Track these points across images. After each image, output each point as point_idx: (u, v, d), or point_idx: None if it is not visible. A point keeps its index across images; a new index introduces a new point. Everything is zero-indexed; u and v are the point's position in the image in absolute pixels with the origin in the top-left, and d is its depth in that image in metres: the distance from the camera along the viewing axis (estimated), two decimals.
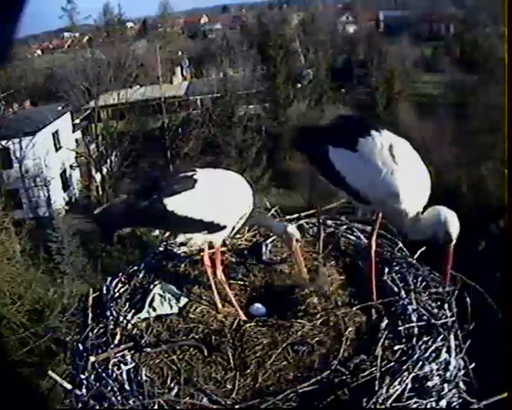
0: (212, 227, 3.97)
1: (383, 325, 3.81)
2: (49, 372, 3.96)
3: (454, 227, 3.71)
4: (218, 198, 3.95)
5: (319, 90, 37.85)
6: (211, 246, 4.24)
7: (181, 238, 4.11)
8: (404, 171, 3.65)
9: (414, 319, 3.84)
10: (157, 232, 4.34)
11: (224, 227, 4.02)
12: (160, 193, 3.84)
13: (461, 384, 3.46)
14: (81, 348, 4.03)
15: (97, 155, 30.90)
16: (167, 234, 4.24)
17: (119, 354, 3.85)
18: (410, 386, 3.33)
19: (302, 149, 4.30)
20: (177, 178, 3.98)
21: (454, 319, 3.82)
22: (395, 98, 37.46)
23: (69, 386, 3.73)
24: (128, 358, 3.81)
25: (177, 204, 3.83)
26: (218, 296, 4.28)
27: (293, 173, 26.64)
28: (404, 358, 3.52)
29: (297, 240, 4.25)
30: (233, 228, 4.13)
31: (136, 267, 4.97)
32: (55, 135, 31.69)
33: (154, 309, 4.28)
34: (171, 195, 3.83)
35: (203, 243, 4.15)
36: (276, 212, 5.43)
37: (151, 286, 4.54)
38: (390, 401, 3.24)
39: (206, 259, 4.23)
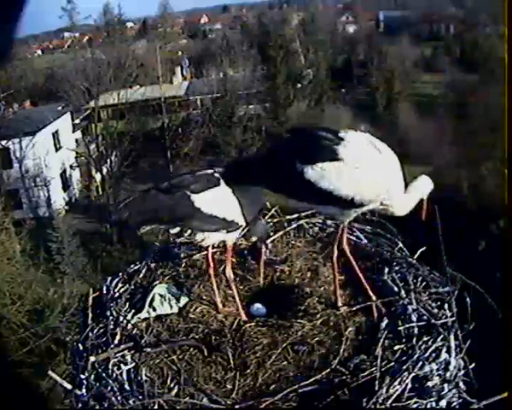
0: (233, 226, 4.00)
1: (383, 325, 3.81)
2: (49, 372, 3.96)
3: (429, 189, 3.93)
4: (238, 198, 3.95)
5: (319, 90, 37.83)
6: (214, 245, 4.25)
7: (200, 237, 4.07)
8: (389, 159, 3.72)
9: (414, 319, 3.84)
10: (175, 230, 4.24)
11: (241, 226, 4.06)
12: (186, 190, 3.85)
13: (461, 384, 3.46)
14: (81, 348, 4.03)
15: (97, 155, 30.89)
16: (188, 232, 4.19)
17: (119, 354, 3.84)
18: (410, 386, 3.32)
19: (263, 182, 3.84)
20: (201, 176, 3.98)
21: (454, 319, 3.82)
22: (395, 98, 37.47)
23: (69, 386, 3.73)
24: (128, 358, 3.81)
25: (204, 201, 3.85)
26: (219, 296, 4.29)
27: None
28: (404, 358, 3.52)
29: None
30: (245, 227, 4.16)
31: (136, 267, 4.98)
32: (55, 135, 31.70)
33: (154, 309, 4.28)
34: (199, 192, 3.85)
35: (217, 242, 4.16)
36: (276, 212, 5.43)
37: (151, 286, 4.54)
38: (390, 401, 3.23)
39: (209, 258, 4.24)
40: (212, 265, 4.23)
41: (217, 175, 3.97)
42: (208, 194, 3.87)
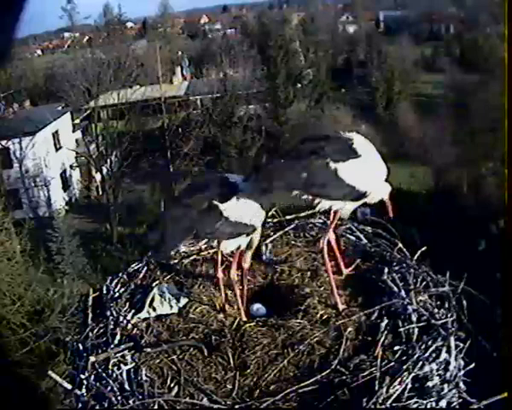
0: (252, 228, 4.05)
1: (383, 325, 3.81)
2: (49, 372, 3.97)
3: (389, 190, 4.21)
4: (253, 201, 3.98)
5: (319, 90, 37.78)
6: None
7: (224, 245, 4.08)
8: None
9: (414, 319, 3.84)
10: (203, 242, 4.23)
11: (256, 228, 4.11)
12: (213, 201, 3.87)
13: (461, 384, 3.46)
14: (81, 348, 4.04)
15: (97, 155, 30.85)
16: (215, 242, 4.17)
17: (119, 354, 3.85)
18: (410, 386, 3.33)
19: (299, 187, 3.82)
20: (221, 184, 4.00)
21: (454, 318, 3.82)
22: (395, 98, 37.45)
23: (69, 386, 3.73)
24: (128, 358, 3.82)
25: (230, 209, 3.88)
26: (225, 298, 4.30)
27: None
28: (404, 358, 3.52)
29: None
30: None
31: (136, 267, 4.98)
32: (55, 135, 31.67)
33: (154, 309, 4.29)
34: (225, 201, 3.88)
35: (236, 247, 4.15)
36: (276, 212, 5.43)
37: (151, 286, 4.54)
38: (390, 401, 3.24)
39: (218, 261, 4.25)
40: (220, 267, 4.25)
41: (232, 181, 4.03)
42: (232, 201, 3.91)
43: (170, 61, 42.99)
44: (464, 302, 3.96)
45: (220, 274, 4.27)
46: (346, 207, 4.01)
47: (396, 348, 3.62)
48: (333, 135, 4.05)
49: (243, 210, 3.93)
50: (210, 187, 4.00)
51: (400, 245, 4.79)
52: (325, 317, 4.01)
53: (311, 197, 3.87)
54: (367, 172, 3.89)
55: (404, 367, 3.41)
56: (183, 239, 3.95)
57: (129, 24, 53.94)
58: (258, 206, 4.02)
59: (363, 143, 3.93)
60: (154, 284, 4.58)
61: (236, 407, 3.38)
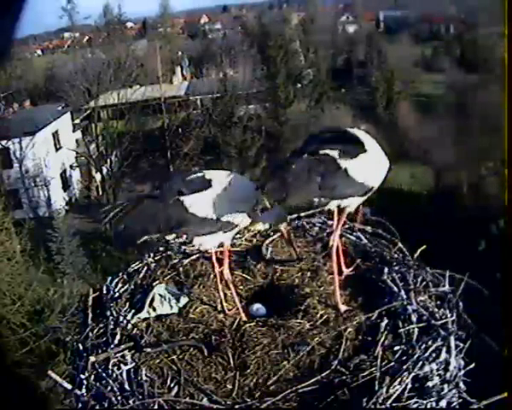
0: (228, 226, 3.95)
1: (383, 325, 3.81)
2: (49, 372, 3.96)
3: None
4: (230, 198, 3.90)
5: (319, 90, 37.81)
6: (219, 245, 4.23)
7: (197, 241, 4.02)
8: None
9: (414, 319, 3.84)
10: (171, 237, 4.14)
11: (237, 226, 4.03)
12: (178, 196, 3.81)
13: (461, 384, 3.46)
14: (81, 348, 4.04)
15: (97, 155, 30.88)
16: (184, 237, 4.06)
17: (119, 354, 3.85)
18: (410, 386, 3.33)
19: (316, 190, 3.69)
20: (192, 180, 3.94)
21: (454, 319, 3.82)
22: (395, 98, 37.44)
23: (69, 386, 3.73)
24: (128, 358, 3.81)
25: (197, 205, 3.80)
26: (224, 298, 4.29)
27: None
28: (404, 358, 3.52)
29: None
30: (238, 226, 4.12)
31: (136, 267, 4.98)
32: (55, 135, 31.69)
33: (154, 309, 4.29)
34: (191, 195, 3.82)
35: (216, 244, 4.10)
36: None
37: (151, 286, 4.54)
38: (390, 401, 3.23)
39: (214, 259, 4.24)
40: (217, 265, 4.23)
41: (207, 177, 3.94)
42: (201, 197, 3.82)
43: (170, 61, 43.04)
44: (461, 303, 3.96)
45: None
46: (354, 203, 3.97)
47: (396, 348, 3.61)
48: (336, 130, 3.99)
49: (211, 206, 3.80)
50: (181, 183, 3.93)
51: (400, 245, 4.79)
52: (325, 317, 4.00)
53: (323, 199, 3.79)
54: (374, 167, 3.83)
55: (404, 367, 3.40)
56: (150, 233, 3.85)
57: (129, 24, 53.82)
58: (236, 202, 3.89)
59: (366, 138, 3.88)
60: (154, 284, 4.58)
61: (236, 407, 3.38)
